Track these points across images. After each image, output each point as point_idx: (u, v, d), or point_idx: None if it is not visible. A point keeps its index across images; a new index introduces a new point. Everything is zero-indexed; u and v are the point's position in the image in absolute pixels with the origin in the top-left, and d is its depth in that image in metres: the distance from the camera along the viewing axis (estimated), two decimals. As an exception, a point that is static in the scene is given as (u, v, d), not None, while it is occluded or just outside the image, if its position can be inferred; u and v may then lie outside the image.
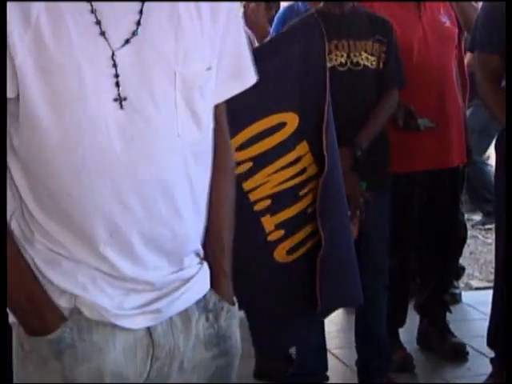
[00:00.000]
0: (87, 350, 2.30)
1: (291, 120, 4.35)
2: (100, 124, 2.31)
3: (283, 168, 4.33)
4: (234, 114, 4.04)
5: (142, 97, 2.34)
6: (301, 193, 4.32)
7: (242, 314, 5.44)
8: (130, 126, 2.33)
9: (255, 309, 4.60)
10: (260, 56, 4.43)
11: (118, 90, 2.35)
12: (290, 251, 4.33)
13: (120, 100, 2.32)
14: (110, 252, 2.26)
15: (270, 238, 4.33)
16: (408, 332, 5.72)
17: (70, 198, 2.31)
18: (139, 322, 2.32)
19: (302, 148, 4.31)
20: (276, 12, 6.72)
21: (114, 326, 2.28)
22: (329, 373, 5.14)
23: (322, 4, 5.06)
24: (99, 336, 2.29)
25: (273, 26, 6.41)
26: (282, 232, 4.32)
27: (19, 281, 2.27)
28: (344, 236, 4.49)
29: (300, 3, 6.40)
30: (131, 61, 2.33)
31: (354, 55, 4.87)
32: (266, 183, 4.33)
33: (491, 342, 5.18)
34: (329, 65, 4.62)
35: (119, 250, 2.28)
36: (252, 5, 6.37)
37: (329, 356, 5.23)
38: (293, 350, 5.21)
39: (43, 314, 2.28)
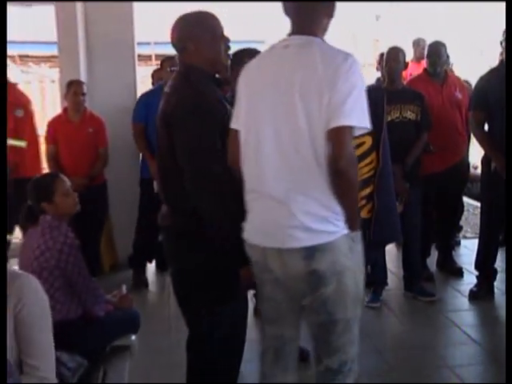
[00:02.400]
0: None
1: (368, 140, 4.30)
2: None
3: (364, 166, 4.32)
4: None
5: None
6: (372, 180, 4.34)
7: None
8: None
9: None
10: None
11: None
12: (369, 212, 4.34)
13: None
14: None
15: (359, 205, 4.67)
16: (431, 260, 5.89)
17: None
18: None
19: (373, 156, 4.37)
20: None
21: None
22: (388, 281, 5.38)
23: (386, 83, 5.21)
24: None
25: None
26: (364, 201, 4.32)
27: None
28: (392, 203, 4.49)
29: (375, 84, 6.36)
30: None
31: (403, 112, 5.02)
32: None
33: (476, 266, 5.32)
34: (389, 118, 4.77)
35: None
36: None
37: (388, 272, 5.40)
38: (368, 269, 5.25)
39: None
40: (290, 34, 2.54)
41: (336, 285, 2.45)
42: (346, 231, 2.45)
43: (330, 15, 2.56)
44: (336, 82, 2.31)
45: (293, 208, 2.41)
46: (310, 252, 2.41)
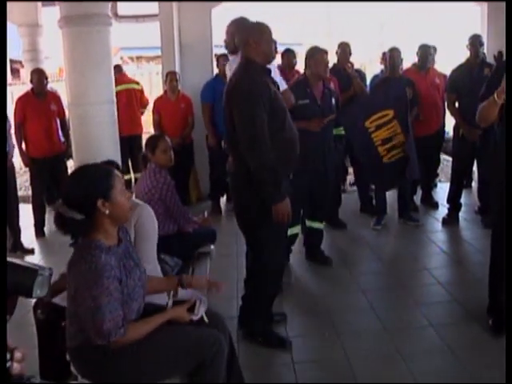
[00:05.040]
0: None
1: (390, 113, 4.45)
2: None
3: (386, 130, 4.46)
4: (373, 108, 4.46)
5: None
6: (393, 138, 4.48)
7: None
8: None
9: (378, 180, 4.90)
10: (379, 87, 4.88)
11: None
12: (388, 159, 4.54)
13: None
14: None
15: (381, 154, 4.51)
16: (417, 197, 5.61)
17: None
18: None
19: (394, 124, 4.45)
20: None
21: None
22: (387, 211, 5.10)
23: (388, 73, 4.98)
24: None
25: (369, 85, 5.67)
26: (386, 151, 4.48)
27: None
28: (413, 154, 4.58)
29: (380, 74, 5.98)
30: None
31: None
32: (379, 135, 4.46)
33: (447, 201, 5.11)
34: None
35: None
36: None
37: (387, 204, 5.10)
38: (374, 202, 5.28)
39: None
40: None
41: None
42: None
43: None
44: None
45: None
46: None
